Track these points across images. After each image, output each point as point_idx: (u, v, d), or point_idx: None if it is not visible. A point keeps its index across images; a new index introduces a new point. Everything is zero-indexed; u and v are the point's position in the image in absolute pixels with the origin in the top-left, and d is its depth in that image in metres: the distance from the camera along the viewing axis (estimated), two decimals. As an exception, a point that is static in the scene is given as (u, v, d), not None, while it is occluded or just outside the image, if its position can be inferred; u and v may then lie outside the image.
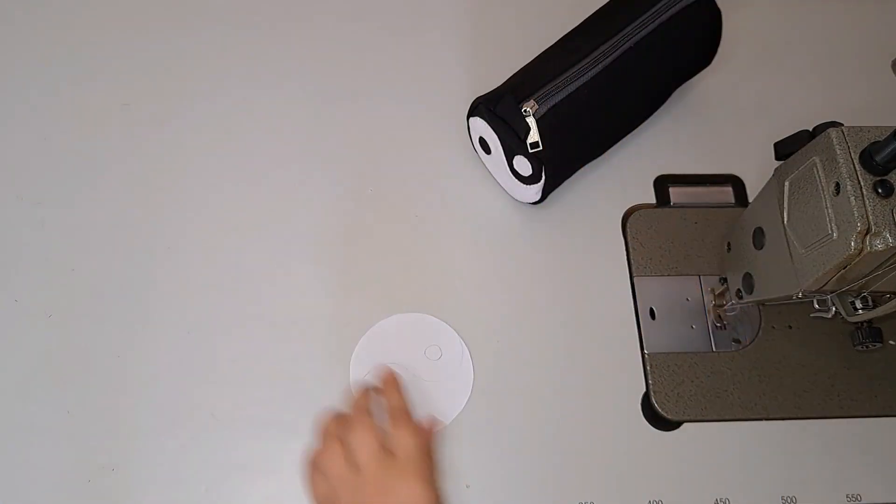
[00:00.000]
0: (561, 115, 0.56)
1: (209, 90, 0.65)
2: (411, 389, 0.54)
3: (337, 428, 0.49)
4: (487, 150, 0.60)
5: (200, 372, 0.55)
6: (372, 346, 0.57)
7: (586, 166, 0.63)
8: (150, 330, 0.56)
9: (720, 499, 0.54)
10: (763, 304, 0.59)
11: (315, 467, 0.48)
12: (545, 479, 0.54)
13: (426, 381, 0.56)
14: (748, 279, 0.53)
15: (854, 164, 0.42)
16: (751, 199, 0.63)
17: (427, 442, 0.48)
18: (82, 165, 0.62)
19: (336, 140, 0.64)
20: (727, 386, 0.57)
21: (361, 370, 0.56)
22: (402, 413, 0.50)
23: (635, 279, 0.60)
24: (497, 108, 0.57)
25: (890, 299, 0.46)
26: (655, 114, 0.65)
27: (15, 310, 0.57)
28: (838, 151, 0.42)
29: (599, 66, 0.57)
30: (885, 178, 0.42)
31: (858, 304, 0.48)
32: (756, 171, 0.64)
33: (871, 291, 0.47)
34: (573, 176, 0.62)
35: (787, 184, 0.47)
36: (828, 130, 0.43)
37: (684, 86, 0.66)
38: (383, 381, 0.53)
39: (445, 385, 0.56)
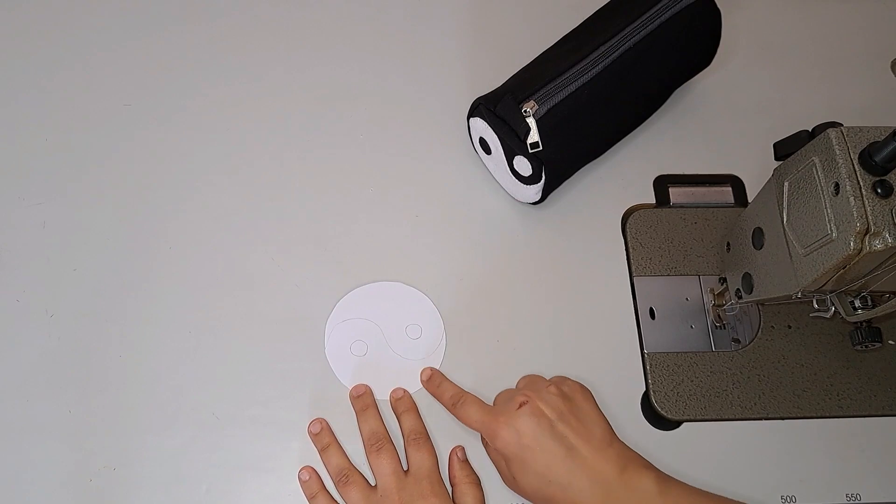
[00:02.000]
0: (561, 115, 0.56)
1: (210, 91, 0.65)
2: (378, 353, 0.57)
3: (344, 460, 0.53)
4: (488, 150, 0.60)
5: (202, 371, 0.55)
6: (360, 301, 0.58)
7: (586, 166, 0.63)
8: (152, 330, 0.56)
9: (720, 498, 0.54)
10: (762, 304, 0.59)
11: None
12: (545, 478, 0.54)
13: (395, 353, 0.57)
14: (748, 279, 0.53)
15: (853, 165, 0.42)
16: (750, 200, 0.63)
17: (437, 462, 0.52)
18: (84, 166, 0.62)
19: (336, 140, 0.64)
20: (727, 385, 0.57)
21: (342, 315, 0.58)
22: (421, 435, 0.53)
23: (635, 279, 0.60)
24: (497, 108, 0.57)
25: (889, 299, 0.46)
26: (655, 114, 0.65)
27: (16, 310, 0.57)
28: (837, 152, 0.42)
29: (599, 66, 0.57)
30: (884, 178, 0.42)
31: (858, 304, 0.48)
32: (755, 171, 0.64)
33: (870, 291, 0.47)
34: (573, 176, 0.62)
35: (786, 184, 0.47)
36: (827, 131, 0.43)
37: (684, 86, 0.66)
38: (399, 402, 0.55)
39: (411, 363, 0.57)
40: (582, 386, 0.52)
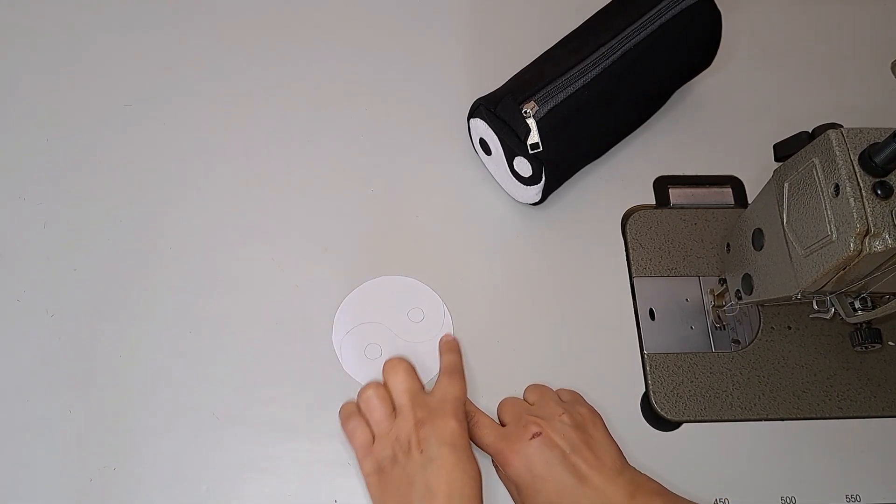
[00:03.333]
0: (561, 116, 0.56)
1: (210, 90, 0.65)
2: (392, 348, 0.57)
3: (374, 385, 0.52)
4: (488, 151, 0.60)
5: (202, 371, 0.55)
6: (356, 307, 0.58)
7: (586, 167, 0.63)
8: (152, 329, 0.57)
9: (719, 499, 0.54)
10: (762, 305, 0.59)
11: (355, 415, 0.51)
12: (545, 478, 0.54)
13: (407, 341, 0.57)
14: (747, 280, 0.53)
15: (853, 166, 0.42)
16: (750, 201, 0.63)
17: (464, 395, 0.52)
18: (84, 166, 0.62)
19: (337, 141, 0.64)
20: (726, 386, 0.57)
21: (344, 328, 0.58)
22: (456, 368, 0.54)
23: (635, 280, 0.60)
24: (497, 109, 0.57)
25: (889, 300, 0.46)
26: (655, 115, 0.65)
27: (17, 309, 0.57)
28: (837, 153, 0.42)
29: (600, 67, 0.57)
30: (884, 179, 0.42)
31: (858, 305, 0.48)
32: (755, 172, 0.64)
33: (870, 292, 0.47)
34: (573, 176, 0.62)
35: (786, 185, 0.47)
36: (827, 132, 0.43)
37: (684, 87, 0.66)
38: (444, 344, 0.56)
39: (427, 344, 0.57)
40: (593, 411, 0.52)
